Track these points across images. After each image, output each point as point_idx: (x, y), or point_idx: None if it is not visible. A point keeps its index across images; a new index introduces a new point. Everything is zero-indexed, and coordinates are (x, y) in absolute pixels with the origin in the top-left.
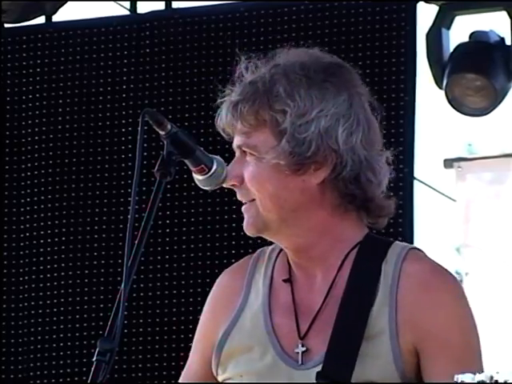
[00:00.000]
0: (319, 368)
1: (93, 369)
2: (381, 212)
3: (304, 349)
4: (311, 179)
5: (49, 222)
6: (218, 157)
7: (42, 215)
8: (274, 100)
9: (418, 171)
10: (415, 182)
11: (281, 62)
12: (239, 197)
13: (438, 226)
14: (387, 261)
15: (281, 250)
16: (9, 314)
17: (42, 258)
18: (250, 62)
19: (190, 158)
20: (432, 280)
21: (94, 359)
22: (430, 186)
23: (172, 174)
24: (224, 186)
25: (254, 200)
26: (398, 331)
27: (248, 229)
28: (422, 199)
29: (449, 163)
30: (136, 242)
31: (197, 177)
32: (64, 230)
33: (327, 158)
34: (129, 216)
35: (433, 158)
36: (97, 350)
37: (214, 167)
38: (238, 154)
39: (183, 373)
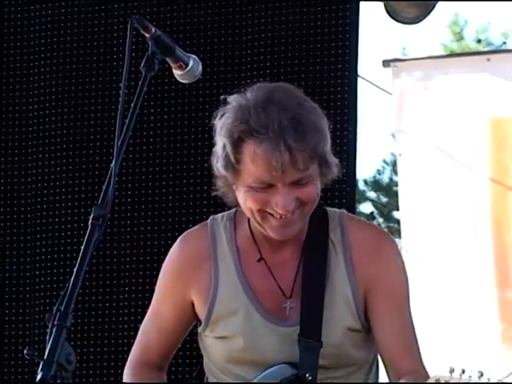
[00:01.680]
0: (297, 327)
1: (88, 231)
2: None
3: (288, 308)
4: None
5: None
6: (193, 56)
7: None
8: (321, 131)
9: (360, 70)
10: (359, 78)
11: (283, 104)
12: (286, 217)
13: (377, 116)
14: (331, 230)
15: (232, 220)
16: None
17: None
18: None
19: (171, 57)
20: (377, 244)
21: (90, 223)
22: (370, 82)
23: (155, 70)
24: (281, 212)
25: (294, 212)
26: (356, 287)
27: (288, 236)
28: (364, 94)
29: (386, 63)
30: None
31: (176, 72)
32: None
33: None
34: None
35: (373, 59)
36: (91, 215)
37: (191, 63)
38: (283, 188)
39: (150, 321)
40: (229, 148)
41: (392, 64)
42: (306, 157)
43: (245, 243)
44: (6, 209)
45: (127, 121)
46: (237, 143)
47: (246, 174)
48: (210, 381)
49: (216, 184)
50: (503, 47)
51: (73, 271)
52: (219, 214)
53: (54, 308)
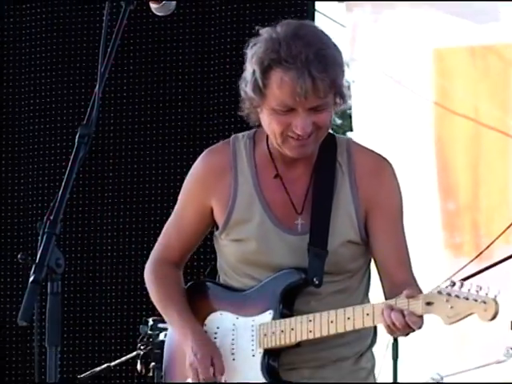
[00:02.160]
0: (306, 236)
1: (75, 148)
2: None
3: (299, 221)
4: None
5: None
6: None
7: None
8: (340, 65)
9: (318, 6)
10: (316, 13)
11: (309, 39)
12: (303, 138)
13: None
14: (339, 154)
15: (252, 139)
16: None
17: None
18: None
19: None
20: (378, 167)
21: (76, 141)
22: (327, 16)
23: (134, 3)
24: (299, 133)
25: (310, 136)
26: (358, 205)
27: (303, 155)
28: (321, 27)
29: None
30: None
31: (153, 6)
32: None
33: None
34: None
35: None
36: (77, 134)
37: None
38: (303, 112)
39: (172, 223)
40: (258, 74)
41: (346, 0)
42: (326, 86)
43: (262, 160)
44: None
45: (109, 48)
46: (266, 70)
47: (272, 98)
48: (221, 278)
49: (242, 106)
50: None
51: None
52: (240, 133)
53: (45, 217)
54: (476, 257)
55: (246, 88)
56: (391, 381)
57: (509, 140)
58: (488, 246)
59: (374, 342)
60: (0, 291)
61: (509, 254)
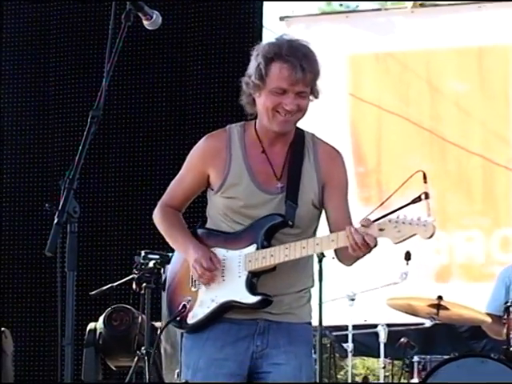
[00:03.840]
0: (282, 195)
1: (88, 126)
2: None
3: (281, 185)
4: None
5: None
6: (156, 11)
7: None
8: (319, 66)
9: (265, 23)
10: (264, 29)
11: (302, 45)
12: (288, 115)
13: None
14: (307, 141)
15: (242, 127)
16: None
17: None
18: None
19: (141, 12)
20: (333, 154)
21: (89, 121)
22: (271, 31)
23: (131, 20)
24: (288, 109)
25: (293, 115)
26: (319, 179)
27: (286, 129)
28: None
29: (282, 18)
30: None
31: (145, 22)
32: None
33: None
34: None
35: (274, 16)
36: (90, 115)
37: (155, 16)
38: (292, 94)
39: (177, 181)
40: (262, 64)
41: (285, 19)
42: (311, 78)
43: (250, 140)
44: None
45: (113, 54)
46: (269, 61)
47: (271, 82)
48: (209, 224)
49: (241, 98)
50: (358, 8)
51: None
52: (233, 124)
53: (66, 175)
54: (379, 206)
55: (251, 78)
56: (318, 296)
57: (403, 121)
58: (387, 198)
59: (313, 282)
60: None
61: (402, 205)
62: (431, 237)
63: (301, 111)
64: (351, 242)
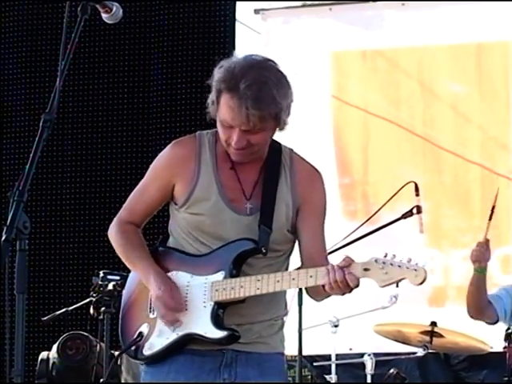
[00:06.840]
0: (253, 217)
1: (40, 131)
2: None
3: (251, 206)
4: None
5: None
6: (116, 3)
7: None
8: (277, 104)
9: (238, 16)
10: (237, 23)
11: (256, 76)
12: (239, 150)
13: (249, 51)
14: (284, 158)
15: (214, 136)
16: None
17: None
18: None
19: (99, 4)
20: (312, 175)
21: (41, 125)
22: (245, 25)
23: (88, 13)
24: (234, 146)
25: (245, 149)
26: (294, 201)
27: (243, 161)
28: (241, 34)
29: (257, 11)
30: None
31: (104, 15)
32: None
33: None
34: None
35: (248, 9)
36: (41, 119)
37: (115, 9)
38: (239, 131)
39: (138, 193)
40: (214, 91)
41: (261, 12)
42: (257, 120)
43: (222, 152)
44: None
45: (67, 51)
46: (219, 92)
47: (220, 113)
48: (172, 242)
49: (208, 112)
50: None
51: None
52: (204, 131)
53: (15, 186)
54: (366, 221)
55: (209, 100)
56: (297, 323)
57: (393, 126)
58: (375, 213)
59: (286, 309)
60: None
61: (392, 220)
62: (422, 283)
63: (255, 145)
64: (331, 280)
